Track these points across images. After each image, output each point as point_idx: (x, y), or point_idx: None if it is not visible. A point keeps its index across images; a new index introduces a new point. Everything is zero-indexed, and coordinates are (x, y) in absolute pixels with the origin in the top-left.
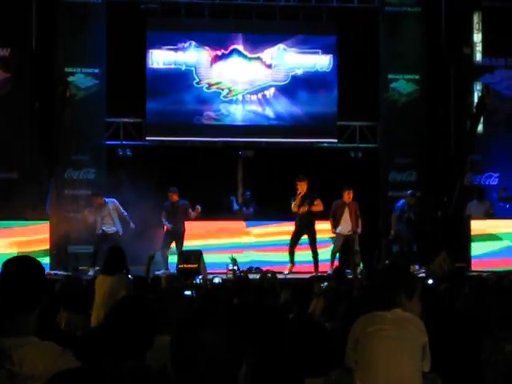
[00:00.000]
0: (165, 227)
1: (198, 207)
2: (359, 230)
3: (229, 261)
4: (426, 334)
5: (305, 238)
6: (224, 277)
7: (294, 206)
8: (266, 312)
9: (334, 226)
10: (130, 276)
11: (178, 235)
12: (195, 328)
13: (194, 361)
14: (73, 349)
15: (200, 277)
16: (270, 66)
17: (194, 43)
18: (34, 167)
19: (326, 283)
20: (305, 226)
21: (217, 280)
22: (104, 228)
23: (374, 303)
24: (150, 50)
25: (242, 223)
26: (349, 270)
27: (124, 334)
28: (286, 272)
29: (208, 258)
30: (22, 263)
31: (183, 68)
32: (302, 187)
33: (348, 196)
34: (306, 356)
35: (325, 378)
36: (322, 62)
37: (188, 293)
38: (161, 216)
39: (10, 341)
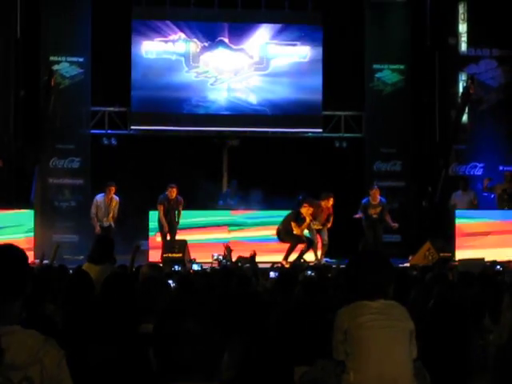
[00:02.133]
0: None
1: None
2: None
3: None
4: (412, 321)
5: None
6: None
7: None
8: (249, 300)
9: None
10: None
11: (173, 228)
12: (177, 317)
13: (176, 349)
14: (56, 337)
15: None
16: (252, 57)
17: (183, 35)
18: (19, 156)
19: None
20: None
21: (196, 267)
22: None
23: (361, 293)
24: (138, 40)
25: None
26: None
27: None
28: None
29: (193, 248)
30: (5, 251)
31: (173, 58)
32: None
33: (329, 203)
34: (294, 344)
35: (312, 366)
36: (306, 51)
37: (170, 281)
38: (157, 209)
39: None
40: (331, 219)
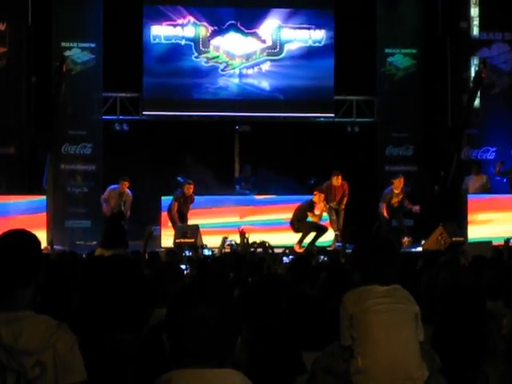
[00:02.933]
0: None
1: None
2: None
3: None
4: (416, 304)
5: None
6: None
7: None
8: (262, 286)
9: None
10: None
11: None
12: (190, 301)
13: (189, 334)
14: (69, 322)
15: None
16: (265, 41)
17: (192, 19)
18: (31, 142)
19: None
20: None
21: (207, 252)
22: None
23: (366, 278)
24: (149, 25)
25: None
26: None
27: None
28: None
29: (206, 233)
30: (18, 237)
31: (182, 43)
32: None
33: (337, 181)
34: (304, 330)
35: (323, 352)
36: (318, 36)
37: (183, 266)
38: (171, 208)
39: (6, 315)
40: (345, 200)
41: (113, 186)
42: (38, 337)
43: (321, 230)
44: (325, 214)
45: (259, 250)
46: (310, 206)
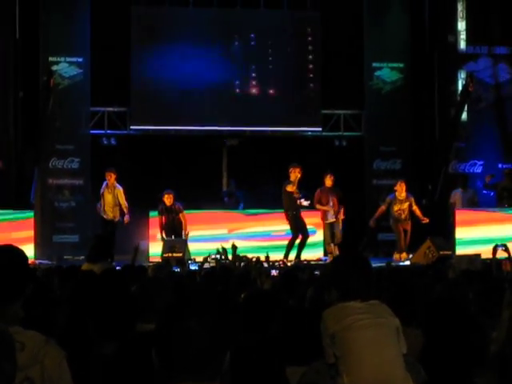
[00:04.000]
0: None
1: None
2: (341, 216)
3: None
4: (396, 317)
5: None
6: (206, 265)
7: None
8: (249, 300)
9: (324, 214)
10: (114, 264)
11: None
12: (180, 316)
13: (178, 349)
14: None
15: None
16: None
17: (180, 36)
18: (19, 156)
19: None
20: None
21: (193, 267)
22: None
23: (344, 294)
24: (139, 40)
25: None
26: (325, 257)
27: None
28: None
29: (193, 247)
30: (5, 252)
31: (171, 59)
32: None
33: (330, 180)
34: (289, 344)
35: (307, 368)
36: (306, 50)
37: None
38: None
39: None
40: (342, 210)
41: (103, 185)
42: (26, 352)
43: (304, 238)
44: (311, 227)
45: (244, 263)
46: (287, 183)
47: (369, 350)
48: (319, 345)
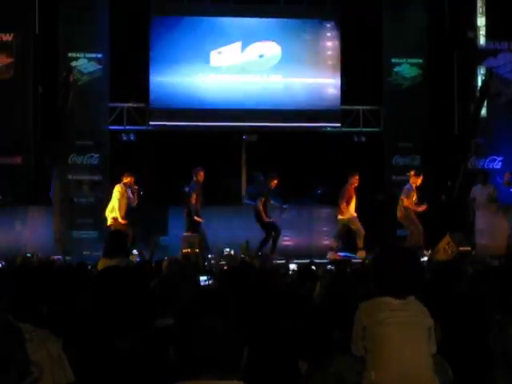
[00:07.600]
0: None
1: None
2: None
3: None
4: (430, 317)
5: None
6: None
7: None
8: (267, 296)
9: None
10: (132, 259)
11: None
12: (198, 313)
13: (197, 345)
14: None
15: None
16: (272, 51)
17: (199, 31)
18: (38, 152)
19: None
20: None
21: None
22: None
23: (385, 289)
24: (158, 35)
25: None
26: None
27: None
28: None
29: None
30: None
31: (190, 53)
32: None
33: (357, 180)
34: (304, 340)
35: (335, 360)
36: (325, 46)
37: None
38: (190, 199)
39: None
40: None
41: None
42: (34, 342)
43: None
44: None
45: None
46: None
47: (398, 347)
48: (329, 341)
